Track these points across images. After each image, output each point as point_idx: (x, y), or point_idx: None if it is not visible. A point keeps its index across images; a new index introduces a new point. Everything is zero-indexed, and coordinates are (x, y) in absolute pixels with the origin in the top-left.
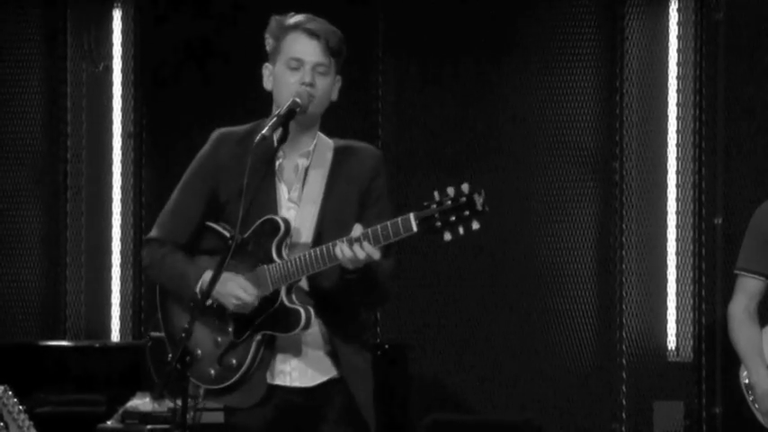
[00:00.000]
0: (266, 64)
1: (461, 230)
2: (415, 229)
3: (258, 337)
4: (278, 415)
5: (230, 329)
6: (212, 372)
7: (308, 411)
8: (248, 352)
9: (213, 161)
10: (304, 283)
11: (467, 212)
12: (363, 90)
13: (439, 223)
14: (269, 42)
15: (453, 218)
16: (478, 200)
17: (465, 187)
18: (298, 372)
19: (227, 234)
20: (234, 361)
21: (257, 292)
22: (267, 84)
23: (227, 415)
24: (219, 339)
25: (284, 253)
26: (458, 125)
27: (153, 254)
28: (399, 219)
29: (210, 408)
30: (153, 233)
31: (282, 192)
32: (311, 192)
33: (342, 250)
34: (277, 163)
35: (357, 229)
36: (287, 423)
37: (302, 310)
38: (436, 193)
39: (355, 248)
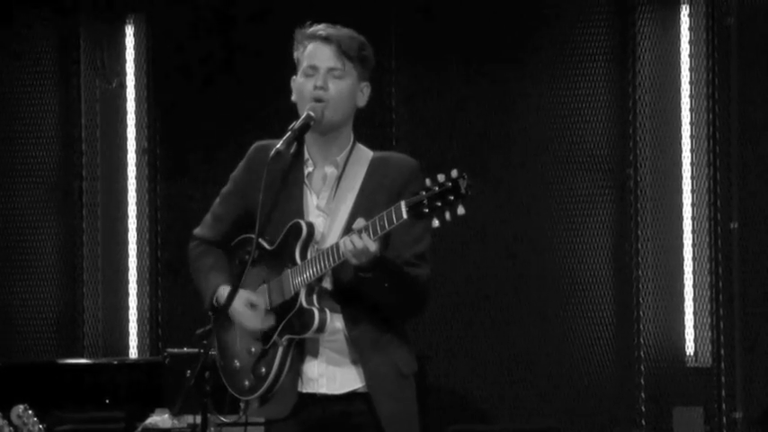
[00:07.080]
0: (293, 77)
1: (448, 216)
2: (405, 216)
3: (284, 342)
4: (308, 430)
5: (260, 337)
6: (247, 383)
7: (338, 427)
8: (275, 358)
9: (246, 173)
10: (329, 285)
11: (451, 197)
12: (377, 100)
13: (427, 209)
14: (294, 55)
15: (440, 203)
16: (462, 183)
17: (453, 173)
18: (326, 378)
19: (268, 246)
20: (263, 369)
21: (262, 299)
22: (293, 96)
23: (266, 428)
24: (253, 349)
25: (309, 256)
26: (471, 134)
27: (191, 252)
28: (392, 207)
29: (253, 422)
30: (196, 230)
31: (311, 200)
32: (342, 201)
33: (344, 243)
34: (306, 171)
35: (359, 222)
36: None
37: (316, 311)
38: (428, 181)
39: (354, 239)
